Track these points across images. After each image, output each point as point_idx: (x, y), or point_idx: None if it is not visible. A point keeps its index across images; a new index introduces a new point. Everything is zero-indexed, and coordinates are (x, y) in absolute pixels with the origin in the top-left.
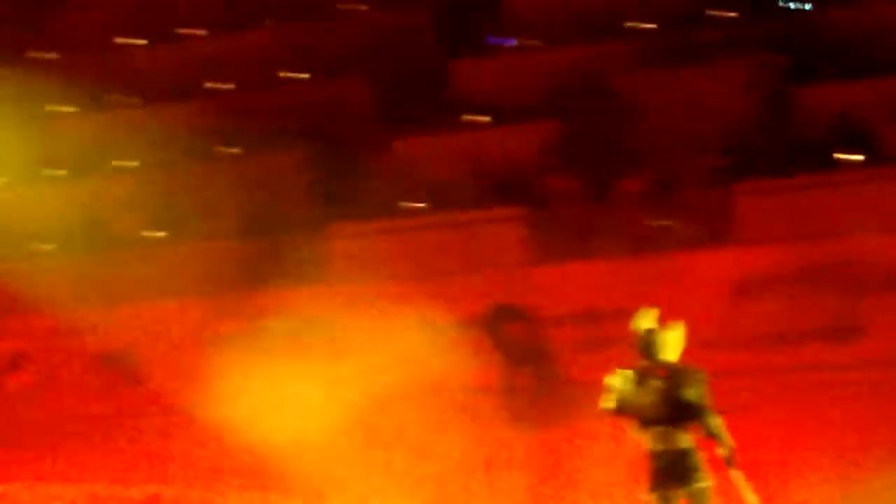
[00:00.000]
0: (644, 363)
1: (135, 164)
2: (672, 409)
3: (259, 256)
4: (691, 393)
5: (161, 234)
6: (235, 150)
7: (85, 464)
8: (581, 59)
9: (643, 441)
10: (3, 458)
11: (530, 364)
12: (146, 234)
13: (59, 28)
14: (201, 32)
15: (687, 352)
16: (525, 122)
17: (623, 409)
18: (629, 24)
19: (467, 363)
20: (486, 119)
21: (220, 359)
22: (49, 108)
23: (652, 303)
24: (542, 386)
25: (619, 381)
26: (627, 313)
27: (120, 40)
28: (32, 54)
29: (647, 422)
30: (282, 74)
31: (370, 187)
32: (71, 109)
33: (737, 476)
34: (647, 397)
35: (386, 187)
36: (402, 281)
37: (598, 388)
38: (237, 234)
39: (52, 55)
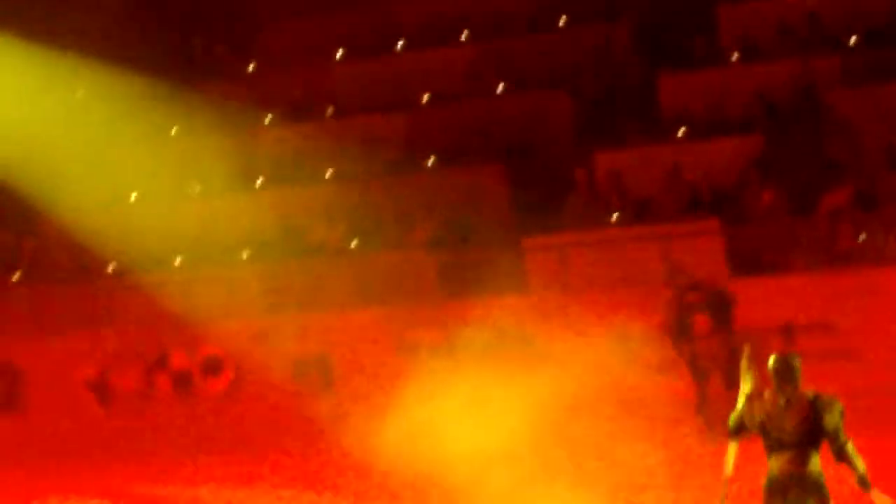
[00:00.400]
0: (787, 387)
1: (333, 174)
2: (812, 434)
3: (455, 267)
4: (832, 420)
5: (357, 243)
6: (435, 162)
7: (278, 469)
8: (789, 73)
9: (772, 463)
10: (198, 462)
11: (722, 375)
12: (343, 243)
13: (264, 41)
14: (406, 46)
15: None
16: (729, 135)
17: (759, 430)
18: (836, 38)
19: (660, 374)
20: (689, 132)
21: (414, 367)
22: (251, 118)
23: (850, 317)
24: (733, 397)
25: (758, 403)
26: (824, 328)
27: (322, 54)
28: (238, 67)
29: (782, 445)
30: (483, 88)
31: (569, 200)
32: (272, 120)
33: (878, 496)
34: (790, 421)
35: (585, 200)
36: (599, 292)
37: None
38: (434, 245)
39: (255, 67)
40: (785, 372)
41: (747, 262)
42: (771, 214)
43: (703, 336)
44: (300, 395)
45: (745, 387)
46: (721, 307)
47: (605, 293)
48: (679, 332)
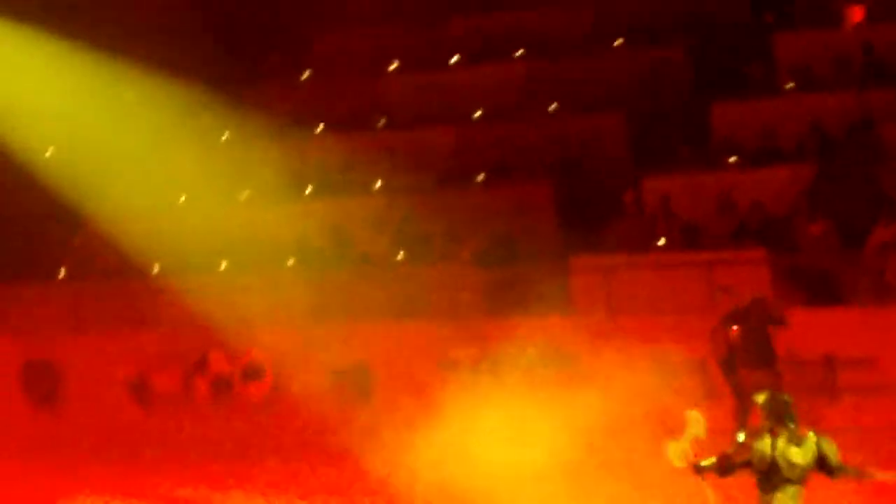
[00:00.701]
0: (790, 425)
1: (382, 185)
2: (816, 469)
3: (500, 284)
4: (835, 456)
5: (404, 255)
6: (484, 178)
7: (310, 479)
8: (844, 104)
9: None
10: (232, 467)
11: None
12: (390, 254)
13: (317, 50)
14: (460, 62)
15: None
16: (780, 164)
17: (765, 468)
18: (893, 71)
19: (701, 401)
20: (741, 160)
21: (454, 383)
22: (301, 127)
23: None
24: None
25: (762, 441)
26: (867, 362)
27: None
28: (290, 75)
29: (781, 481)
30: (535, 106)
31: (617, 221)
32: (323, 130)
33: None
34: (802, 459)
35: (633, 222)
36: (643, 316)
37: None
38: (480, 261)
39: (315, 76)
40: (783, 411)
41: (793, 292)
42: (819, 246)
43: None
44: (338, 406)
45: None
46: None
47: (649, 317)
48: (727, 360)
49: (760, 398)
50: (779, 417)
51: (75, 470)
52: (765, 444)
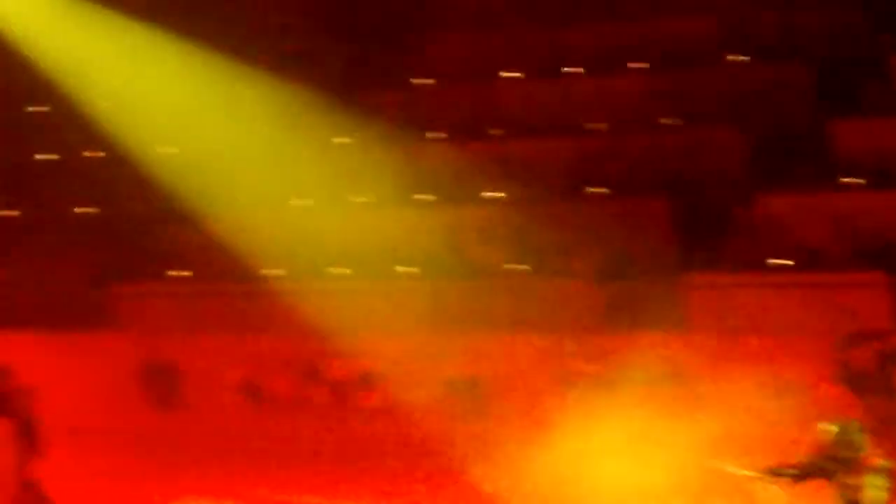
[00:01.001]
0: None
1: (500, 195)
2: None
3: (615, 299)
4: None
5: (519, 267)
6: (601, 191)
7: (424, 488)
8: None
9: None
10: (342, 474)
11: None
12: (504, 266)
13: (433, 54)
14: (578, 71)
15: None
16: None
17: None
18: None
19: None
20: (860, 181)
21: (570, 398)
22: (417, 132)
23: None
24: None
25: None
26: None
27: (491, 72)
28: (407, 80)
29: None
30: (653, 119)
31: (732, 239)
32: (438, 136)
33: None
34: None
35: (749, 241)
36: (760, 336)
37: None
38: (595, 274)
39: (430, 81)
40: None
41: None
42: None
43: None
44: (451, 418)
45: None
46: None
47: (765, 337)
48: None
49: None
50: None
51: (190, 471)
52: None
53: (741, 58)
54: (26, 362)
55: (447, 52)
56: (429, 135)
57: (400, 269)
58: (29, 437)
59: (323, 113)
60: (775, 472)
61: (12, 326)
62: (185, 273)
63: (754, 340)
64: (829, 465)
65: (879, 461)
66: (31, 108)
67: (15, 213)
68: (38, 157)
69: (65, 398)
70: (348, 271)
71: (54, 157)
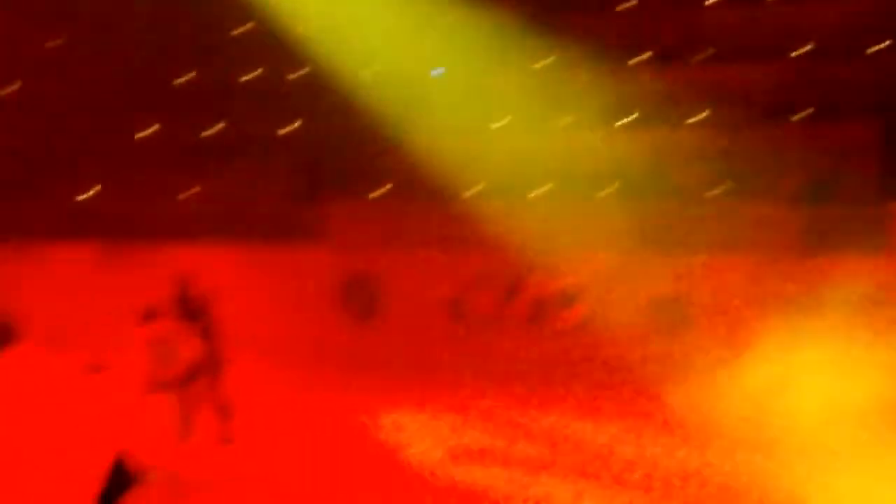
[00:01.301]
0: None
1: (702, 119)
2: None
3: (819, 222)
4: None
5: (722, 190)
6: (806, 115)
7: (622, 407)
8: None
9: None
10: (542, 390)
11: None
12: (707, 188)
13: None
14: None
15: None
16: None
17: None
18: None
19: None
20: None
21: (771, 319)
22: (622, 56)
23: None
24: None
25: None
26: None
27: None
28: (612, 4)
29: None
30: (860, 44)
31: None
32: (643, 61)
33: None
34: None
35: None
36: None
37: None
38: (799, 198)
39: (629, 6)
40: None
41: None
42: None
43: None
44: (651, 337)
45: None
46: None
47: None
48: None
49: None
50: None
51: (390, 384)
52: None
53: None
54: (224, 274)
55: None
56: (634, 58)
57: (604, 189)
58: (213, 343)
59: (526, 36)
60: None
61: (214, 239)
62: (391, 191)
63: None
64: None
65: None
66: (235, 31)
67: (221, 132)
68: (243, 78)
69: (259, 310)
70: (553, 191)
71: (258, 76)
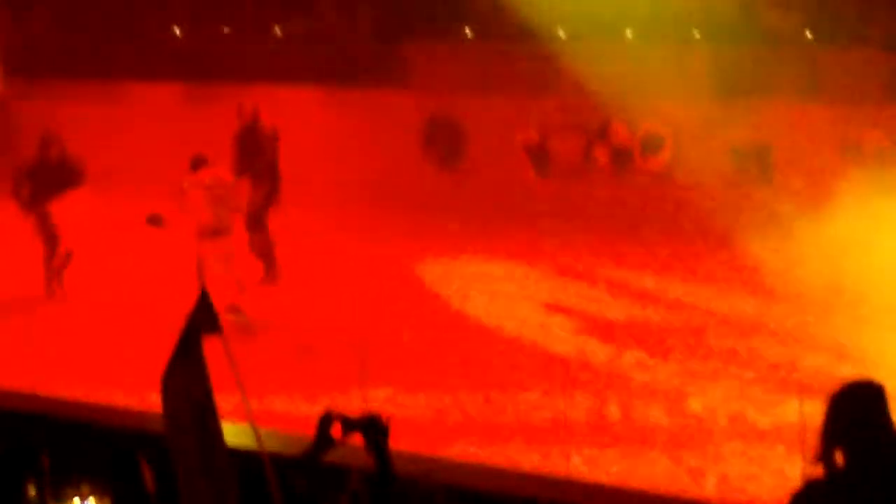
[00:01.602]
0: None
1: None
2: None
3: None
4: None
5: (813, 35)
6: None
7: (704, 258)
8: None
9: None
10: (621, 241)
11: None
12: (797, 33)
13: None
14: None
15: None
16: None
17: None
18: None
19: None
20: None
21: (857, 170)
22: None
23: None
24: None
25: None
26: None
27: None
28: None
29: None
30: None
31: None
32: None
33: None
34: None
35: None
36: None
37: None
38: (891, 45)
39: None
40: None
41: None
42: None
43: None
44: (736, 186)
45: None
46: None
47: None
48: None
49: None
50: None
51: (470, 229)
52: None
53: None
54: (297, 113)
55: None
56: None
57: (692, 33)
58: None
59: None
60: None
61: (292, 78)
62: (476, 33)
63: None
64: None
65: None
66: None
67: None
68: None
69: (328, 151)
70: (639, 35)
71: None
